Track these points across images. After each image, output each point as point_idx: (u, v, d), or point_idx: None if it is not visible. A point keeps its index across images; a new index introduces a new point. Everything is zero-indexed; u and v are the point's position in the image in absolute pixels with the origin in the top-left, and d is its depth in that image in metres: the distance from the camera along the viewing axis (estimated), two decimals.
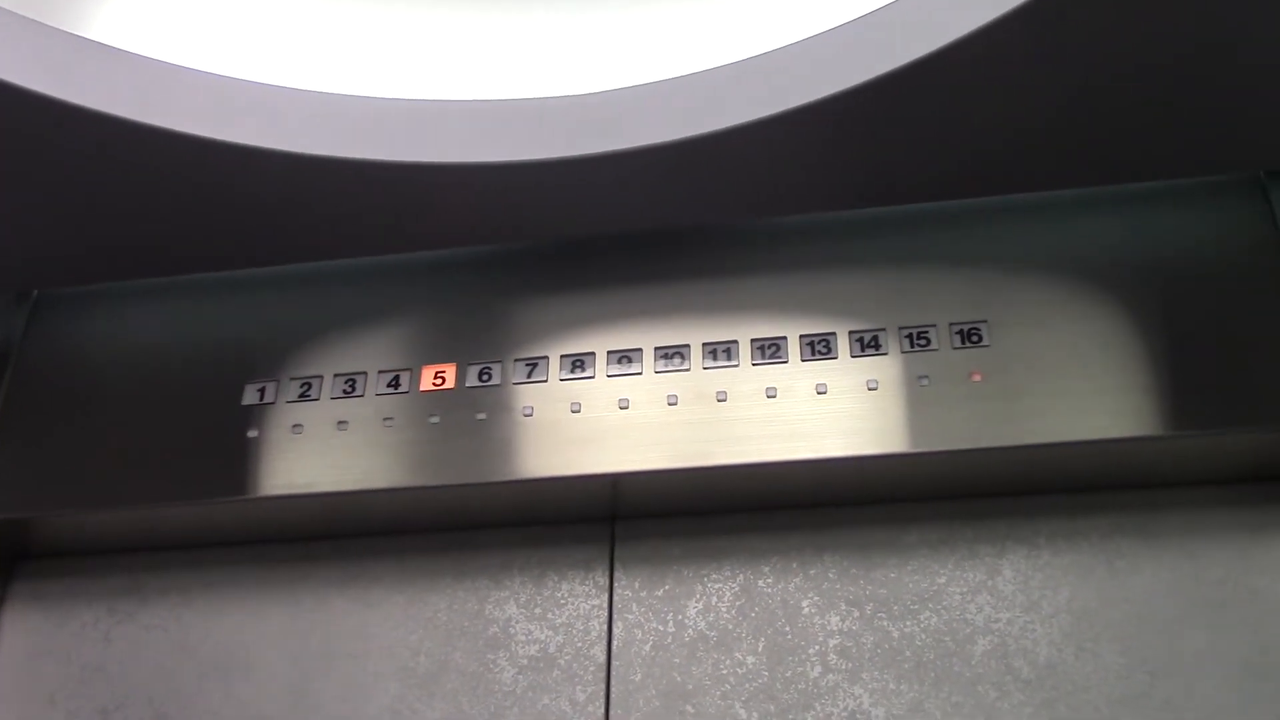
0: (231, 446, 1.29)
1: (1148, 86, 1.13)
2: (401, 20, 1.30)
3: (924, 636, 1.18)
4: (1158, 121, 1.17)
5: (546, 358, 1.28)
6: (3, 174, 1.24)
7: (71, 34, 1.20)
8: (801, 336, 1.24)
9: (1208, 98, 1.15)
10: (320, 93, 1.24)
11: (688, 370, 1.25)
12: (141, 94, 1.19)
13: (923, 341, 1.22)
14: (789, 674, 1.18)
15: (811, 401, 1.21)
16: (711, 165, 1.20)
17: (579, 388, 1.26)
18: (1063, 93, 1.14)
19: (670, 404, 1.23)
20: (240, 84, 1.23)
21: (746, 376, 1.23)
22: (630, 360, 1.26)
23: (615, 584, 1.26)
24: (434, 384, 1.29)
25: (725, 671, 1.20)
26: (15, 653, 1.33)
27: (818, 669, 1.18)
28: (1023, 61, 1.11)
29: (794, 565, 1.24)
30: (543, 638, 1.24)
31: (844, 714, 1.16)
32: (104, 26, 1.26)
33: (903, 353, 1.21)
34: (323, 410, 1.29)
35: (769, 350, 1.24)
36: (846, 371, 1.21)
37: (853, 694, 1.16)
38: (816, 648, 1.19)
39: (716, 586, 1.24)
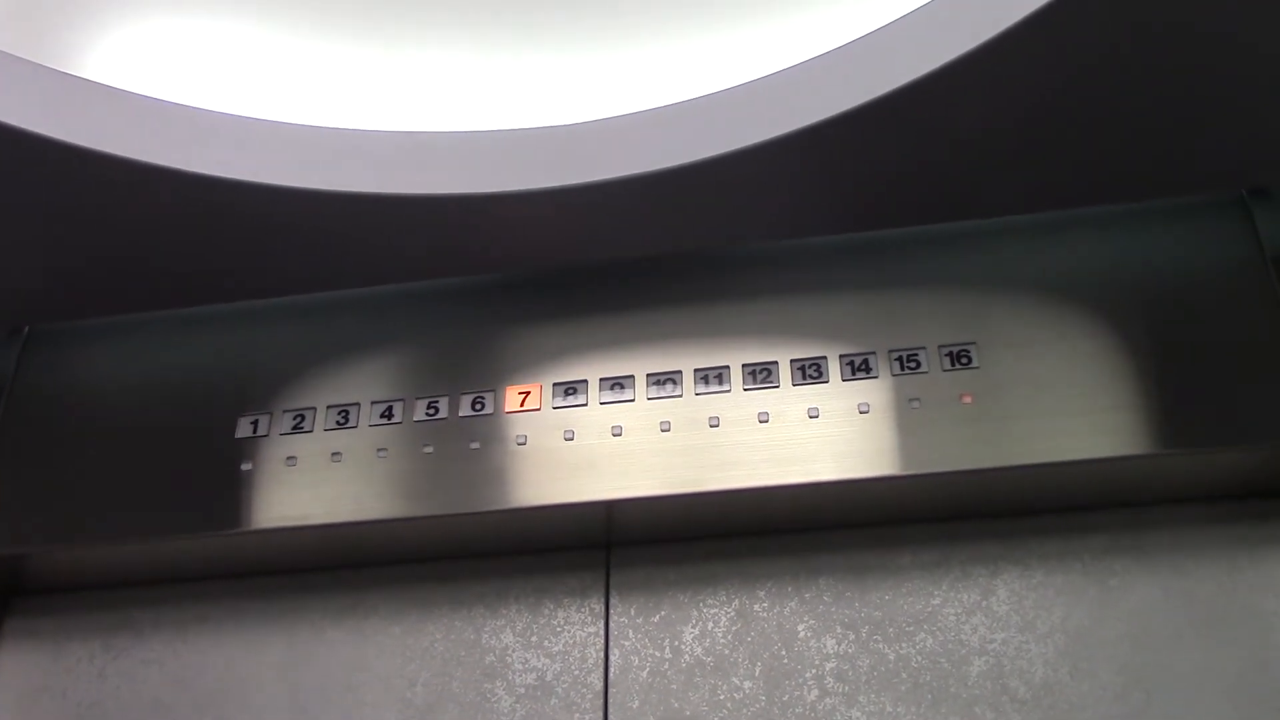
0: (225, 479, 1.29)
1: (1131, 108, 1.15)
2: (399, 57, 1.31)
3: (920, 658, 1.18)
4: (1141, 142, 1.19)
5: (540, 385, 1.28)
6: None
7: (62, 72, 1.21)
8: (792, 361, 1.25)
9: (1190, 118, 1.16)
10: (312, 126, 1.25)
11: (680, 396, 1.25)
12: (130, 130, 1.19)
13: (913, 364, 1.22)
14: (786, 698, 1.19)
15: (803, 425, 1.21)
16: (699, 193, 1.22)
17: (572, 415, 1.26)
18: (1047, 116, 1.15)
19: (663, 430, 1.23)
20: (230, 119, 1.24)
21: (738, 402, 1.24)
22: (622, 387, 1.27)
23: (611, 611, 1.26)
24: (426, 414, 1.29)
25: (723, 697, 1.20)
26: (10, 690, 1.33)
27: (815, 692, 1.18)
28: (1007, 87, 1.12)
29: (789, 589, 1.24)
30: (540, 666, 1.24)
31: None
32: (98, 65, 1.26)
33: (893, 375, 1.22)
34: (316, 442, 1.29)
35: (760, 375, 1.25)
36: (838, 395, 1.22)
37: (850, 717, 1.17)
38: (813, 671, 1.20)
39: (712, 612, 1.25)
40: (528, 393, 1.28)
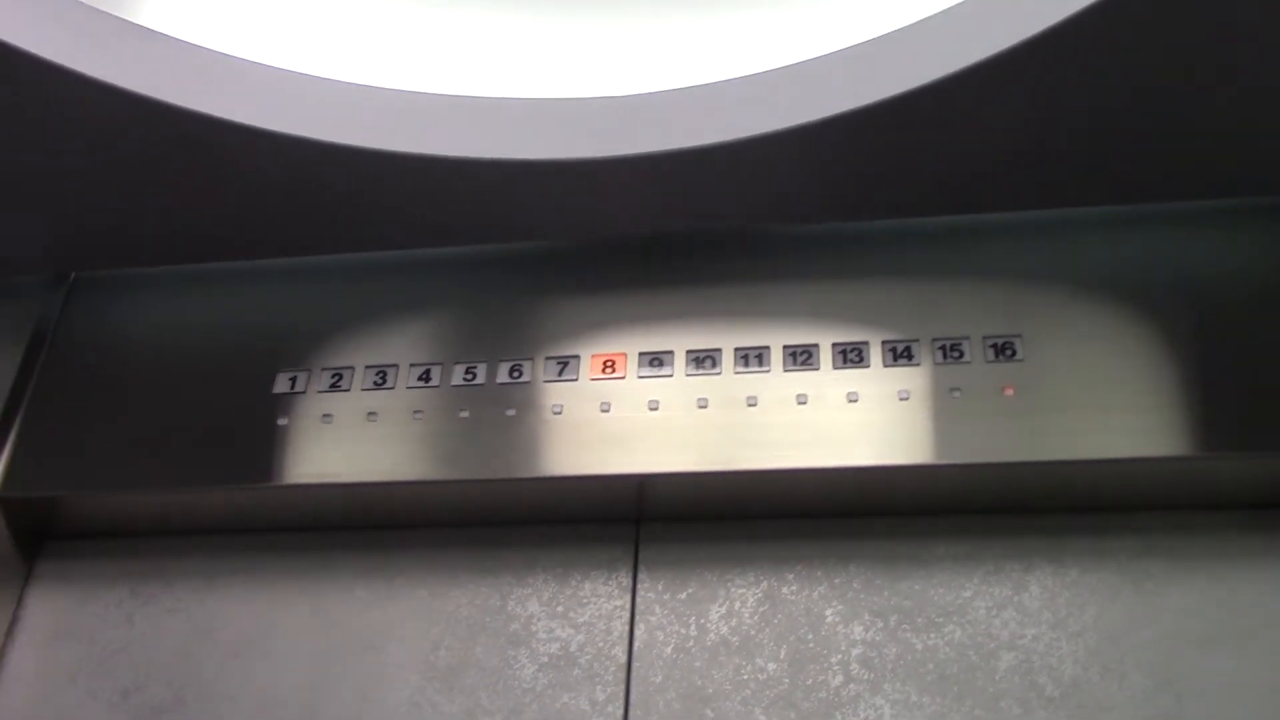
0: (261, 434, 1.29)
1: (1181, 107, 1.13)
2: (460, 20, 1.31)
3: (948, 650, 1.17)
4: (1191, 142, 1.17)
5: (578, 356, 1.28)
6: (44, 155, 1.25)
7: (118, 17, 1.21)
8: (834, 344, 1.24)
9: (1241, 119, 1.14)
10: (359, 85, 1.24)
11: (719, 374, 1.25)
12: (183, 79, 1.20)
13: (956, 354, 1.21)
14: (810, 682, 1.18)
15: (842, 409, 1.20)
16: (745, 171, 1.20)
17: (609, 388, 1.26)
18: (1096, 111, 1.13)
19: (700, 407, 1.23)
20: (279, 73, 1.24)
21: (777, 382, 1.23)
22: (661, 362, 1.26)
23: (638, 585, 1.26)
24: (464, 379, 1.29)
25: (746, 677, 1.19)
26: (38, 632, 1.34)
27: (839, 678, 1.18)
28: (1055, 80, 1.10)
29: (818, 573, 1.23)
30: (564, 636, 1.24)
31: None
32: (153, 12, 1.27)
33: (935, 364, 1.21)
34: (353, 401, 1.29)
35: (801, 357, 1.24)
36: (878, 381, 1.21)
37: (874, 705, 1.16)
38: (839, 657, 1.19)
39: (740, 592, 1.24)
40: (565, 363, 1.28)
